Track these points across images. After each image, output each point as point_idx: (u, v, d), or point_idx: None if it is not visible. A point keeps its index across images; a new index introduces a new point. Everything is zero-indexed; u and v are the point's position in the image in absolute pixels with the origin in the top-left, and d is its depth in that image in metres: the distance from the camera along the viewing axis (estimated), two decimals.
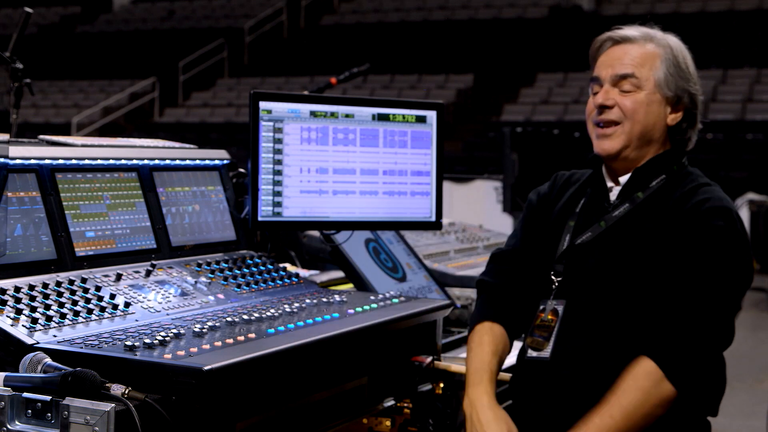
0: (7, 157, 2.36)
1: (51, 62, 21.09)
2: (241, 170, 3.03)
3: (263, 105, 2.80)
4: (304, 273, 3.17)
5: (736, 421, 5.75)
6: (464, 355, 2.53)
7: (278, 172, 2.82)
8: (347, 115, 2.92)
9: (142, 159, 2.73)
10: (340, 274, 3.34)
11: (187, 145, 3.02)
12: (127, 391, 1.85)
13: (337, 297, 2.70)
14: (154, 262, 2.57)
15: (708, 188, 2.36)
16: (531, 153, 6.66)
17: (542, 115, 15.96)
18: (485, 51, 18.52)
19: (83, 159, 2.56)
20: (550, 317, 2.41)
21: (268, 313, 2.42)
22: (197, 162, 2.91)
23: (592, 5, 19.80)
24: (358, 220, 2.98)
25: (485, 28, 19.12)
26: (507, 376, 2.58)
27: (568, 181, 2.59)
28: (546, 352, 2.37)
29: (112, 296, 2.34)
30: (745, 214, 12.23)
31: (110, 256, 2.54)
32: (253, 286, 2.70)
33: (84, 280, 2.36)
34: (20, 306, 2.15)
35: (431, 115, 3.03)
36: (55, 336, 2.10)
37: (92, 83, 21.34)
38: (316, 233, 3.52)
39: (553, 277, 2.45)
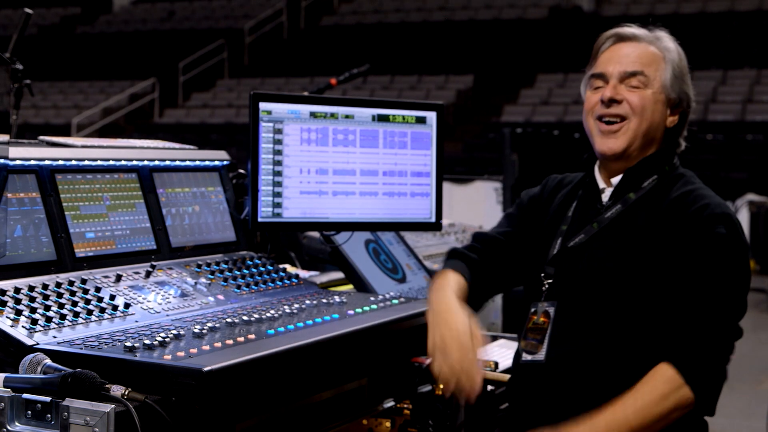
0: (7, 158, 2.36)
1: (51, 63, 21.09)
2: (241, 171, 3.03)
3: (263, 106, 2.80)
4: (303, 274, 3.18)
5: (736, 421, 5.75)
6: None
7: (278, 173, 2.82)
8: (347, 116, 2.92)
9: (142, 160, 2.73)
10: (339, 275, 3.34)
11: (187, 146, 3.02)
12: (126, 392, 1.85)
13: (336, 298, 2.70)
14: (153, 263, 2.57)
15: (704, 192, 2.35)
16: (531, 154, 6.67)
17: (542, 116, 15.96)
18: (485, 52, 18.52)
19: (83, 160, 2.57)
20: (542, 320, 2.40)
21: (268, 314, 2.42)
22: (197, 163, 2.91)
23: (592, 6, 19.81)
24: (357, 221, 2.98)
25: (485, 29, 19.12)
26: (504, 377, 2.58)
27: (560, 183, 2.58)
28: (540, 355, 2.37)
29: (112, 297, 2.34)
30: (744, 215, 12.24)
31: (110, 257, 2.54)
32: (253, 287, 2.70)
33: (84, 281, 2.36)
34: (20, 307, 2.15)
35: (431, 116, 3.03)
36: (54, 337, 2.10)
37: (92, 84, 21.34)
38: (316, 234, 3.52)
39: (543, 279, 2.44)
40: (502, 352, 3.00)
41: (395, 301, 2.73)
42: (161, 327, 2.24)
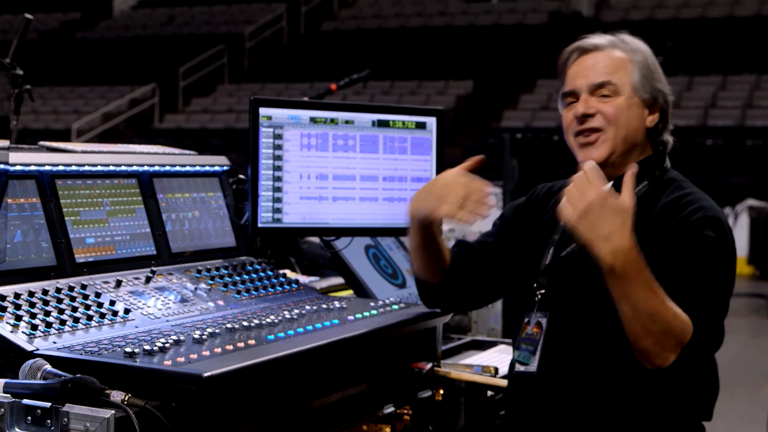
0: (7, 163, 2.36)
1: (51, 68, 21.08)
2: (241, 176, 3.03)
3: (263, 111, 2.80)
4: (303, 279, 3.17)
5: (736, 427, 5.74)
6: (465, 361, 2.54)
7: (278, 179, 2.82)
8: (347, 122, 2.92)
9: (142, 165, 2.73)
10: (339, 280, 3.34)
11: (187, 151, 3.02)
12: (126, 398, 1.85)
13: (336, 303, 2.70)
14: (153, 269, 2.57)
15: (694, 196, 2.34)
16: (531, 159, 6.67)
17: (542, 121, 15.96)
18: (485, 57, 18.53)
19: (83, 165, 2.57)
20: (534, 330, 2.40)
21: (268, 320, 2.42)
22: (197, 168, 2.92)
23: (591, 11, 19.83)
24: (358, 226, 2.98)
25: (485, 34, 19.12)
26: (503, 383, 2.58)
27: (549, 192, 2.58)
28: (533, 366, 2.37)
29: (112, 303, 2.34)
30: (744, 221, 12.25)
31: (110, 263, 2.53)
32: (253, 292, 2.70)
33: (84, 287, 2.36)
34: (20, 312, 2.15)
35: (431, 122, 3.03)
36: (54, 342, 2.10)
37: (92, 89, 21.34)
38: (315, 239, 3.52)
39: (536, 290, 2.44)
40: (502, 358, 3.00)
41: (395, 307, 2.73)
42: (161, 332, 2.24)
